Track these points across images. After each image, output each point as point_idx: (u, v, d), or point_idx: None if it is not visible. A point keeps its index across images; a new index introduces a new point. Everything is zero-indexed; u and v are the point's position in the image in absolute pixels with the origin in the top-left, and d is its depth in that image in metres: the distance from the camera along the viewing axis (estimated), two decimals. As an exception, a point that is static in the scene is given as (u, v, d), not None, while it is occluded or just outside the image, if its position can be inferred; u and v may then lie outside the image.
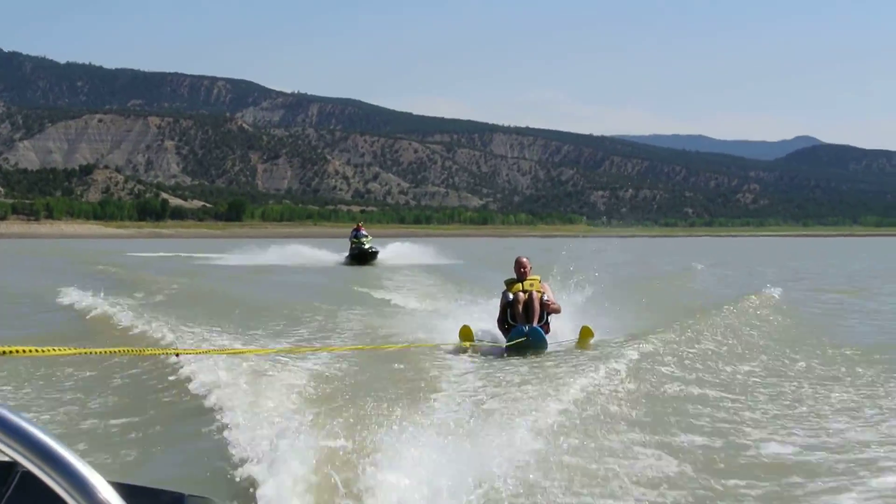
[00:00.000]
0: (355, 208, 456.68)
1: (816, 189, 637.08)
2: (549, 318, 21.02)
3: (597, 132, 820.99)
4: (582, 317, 22.42)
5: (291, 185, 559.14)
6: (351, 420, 9.79)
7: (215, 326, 23.25)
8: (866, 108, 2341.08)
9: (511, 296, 20.99)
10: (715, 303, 30.30)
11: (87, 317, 26.01)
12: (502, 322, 20.99)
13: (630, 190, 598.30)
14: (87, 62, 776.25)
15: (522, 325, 20.31)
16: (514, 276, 21.51)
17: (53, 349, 5.90)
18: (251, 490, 8.53)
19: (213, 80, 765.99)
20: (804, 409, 13.83)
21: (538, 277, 21.58)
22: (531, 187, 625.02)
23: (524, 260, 21.57)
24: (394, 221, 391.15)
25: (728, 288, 41.94)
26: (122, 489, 1.85)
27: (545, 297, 20.99)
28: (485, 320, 22.46)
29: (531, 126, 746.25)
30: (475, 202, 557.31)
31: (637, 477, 9.71)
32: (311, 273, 54.63)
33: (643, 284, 40.22)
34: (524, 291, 21.00)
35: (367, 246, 65.39)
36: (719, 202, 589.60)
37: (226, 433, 11.20)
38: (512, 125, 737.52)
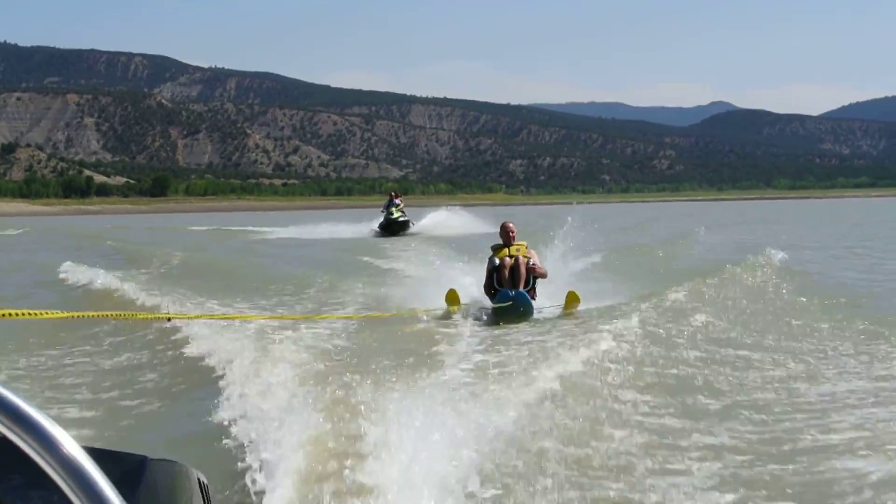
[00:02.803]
0: (277, 181, 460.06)
1: (731, 154, 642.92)
2: (536, 283, 21.24)
3: (514, 101, 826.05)
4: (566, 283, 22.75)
5: (212, 159, 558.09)
6: (338, 394, 9.87)
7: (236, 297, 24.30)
8: (781, 74, 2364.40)
9: (497, 261, 21.23)
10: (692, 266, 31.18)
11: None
12: (489, 287, 21.18)
13: (548, 158, 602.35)
14: (1, 40, 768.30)
15: (508, 290, 20.53)
16: (500, 241, 21.81)
17: (48, 312, 5.99)
18: (239, 465, 8.85)
19: (130, 55, 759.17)
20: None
21: (525, 243, 21.83)
22: (450, 157, 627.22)
23: (510, 225, 21.87)
24: (316, 194, 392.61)
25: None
26: (85, 452, 1.81)
27: (531, 262, 21.24)
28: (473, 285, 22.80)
29: (449, 97, 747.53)
30: (395, 173, 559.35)
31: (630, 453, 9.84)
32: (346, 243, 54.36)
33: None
34: (510, 256, 21.23)
35: (395, 216, 63.14)
36: (636, 168, 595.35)
37: (219, 404, 11.32)
38: (430, 96, 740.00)
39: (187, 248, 48.90)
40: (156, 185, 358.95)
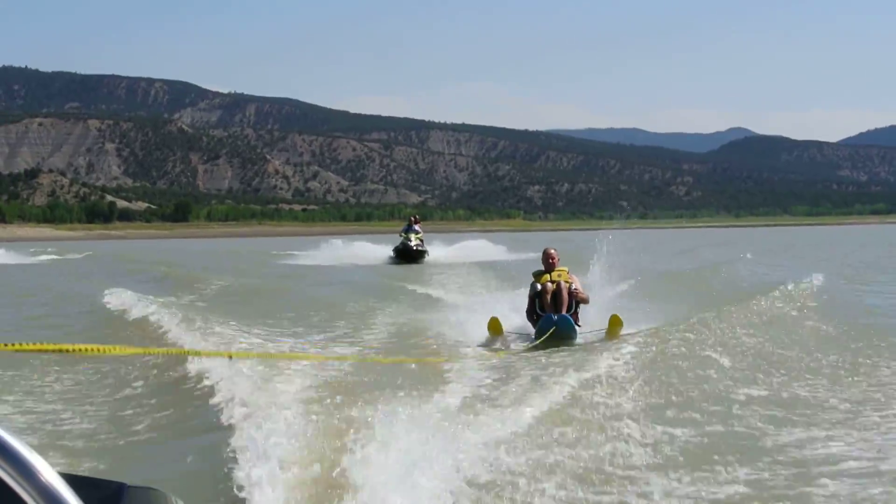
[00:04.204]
0: (297, 207, 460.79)
1: (748, 180, 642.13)
2: (579, 308, 21.31)
3: (532, 127, 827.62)
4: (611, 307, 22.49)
5: (232, 185, 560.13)
6: (334, 424, 9.96)
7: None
8: (800, 99, 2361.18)
9: (539, 286, 21.30)
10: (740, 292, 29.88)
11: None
12: (531, 313, 21.29)
13: (566, 184, 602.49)
14: (23, 66, 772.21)
15: (551, 314, 20.52)
16: (542, 267, 21.88)
17: (115, 348, 6.13)
18: (222, 492, 8.76)
19: (150, 81, 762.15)
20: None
21: (566, 268, 21.82)
22: (468, 183, 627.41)
23: (552, 251, 21.89)
24: (335, 219, 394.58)
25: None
26: (64, 479, 1.85)
27: (573, 287, 21.27)
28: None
29: (467, 122, 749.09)
30: (414, 199, 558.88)
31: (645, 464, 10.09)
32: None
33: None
34: (552, 282, 21.28)
35: (412, 243, 60.54)
36: (653, 195, 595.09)
37: (224, 431, 11.30)
38: (448, 122, 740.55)
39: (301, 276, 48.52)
40: (178, 210, 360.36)
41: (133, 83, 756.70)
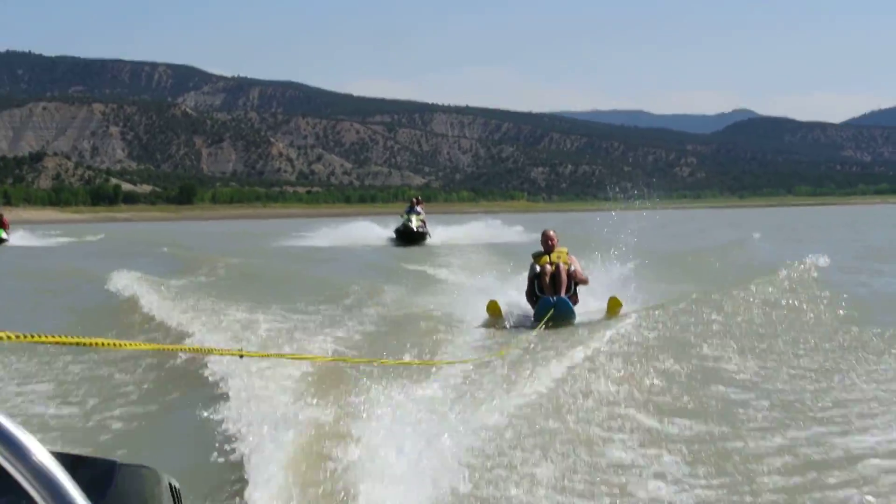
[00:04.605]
0: (301, 189, 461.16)
1: (752, 161, 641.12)
2: (577, 288, 21.37)
3: (536, 109, 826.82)
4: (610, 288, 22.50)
5: (236, 167, 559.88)
6: (330, 409, 9.84)
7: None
8: (804, 81, 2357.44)
9: (538, 268, 21.31)
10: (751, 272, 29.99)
11: None
12: (530, 294, 21.34)
13: (569, 166, 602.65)
14: (26, 50, 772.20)
15: (550, 297, 20.61)
16: (542, 248, 21.96)
17: (130, 343, 5.89)
18: (218, 472, 8.94)
19: (154, 65, 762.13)
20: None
21: (566, 249, 21.80)
22: (472, 165, 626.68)
23: (551, 233, 22.00)
24: (340, 201, 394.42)
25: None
26: (56, 458, 1.84)
27: (572, 269, 21.27)
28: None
29: (471, 105, 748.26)
30: (418, 181, 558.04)
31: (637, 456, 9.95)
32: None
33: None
34: (551, 263, 21.28)
35: (414, 225, 59.44)
36: (657, 176, 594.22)
37: (221, 416, 11.30)
38: (452, 104, 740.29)
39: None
40: (182, 192, 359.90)
41: (137, 67, 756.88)
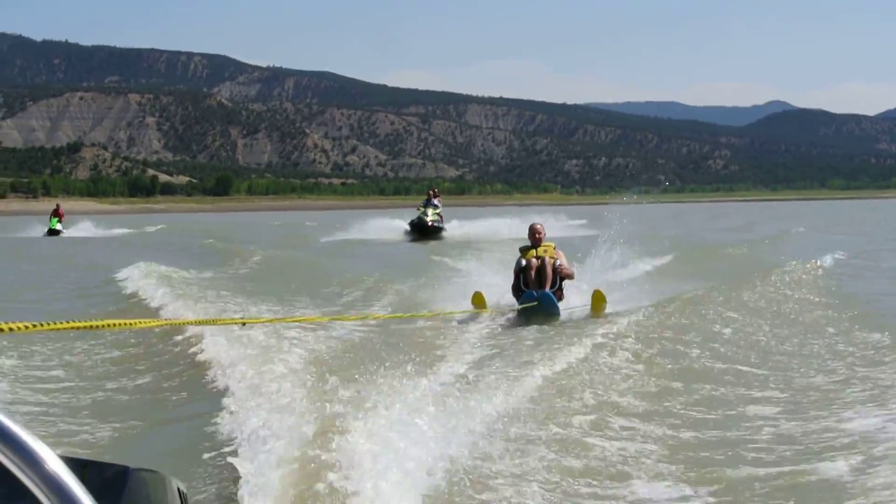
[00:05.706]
0: (336, 181, 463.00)
1: (786, 154, 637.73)
2: (564, 283, 21.00)
3: (570, 101, 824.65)
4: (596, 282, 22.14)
5: (272, 159, 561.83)
6: (333, 409, 9.49)
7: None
8: (839, 73, 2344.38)
9: (524, 262, 21.02)
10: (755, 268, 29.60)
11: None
12: (516, 289, 20.95)
13: (603, 158, 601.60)
14: (62, 39, 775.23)
15: (534, 290, 20.36)
16: (529, 242, 21.66)
17: (140, 322, 6.01)
18: (222, 474, 8.92)
19: (190, 55, 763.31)
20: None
21: (552, 244, 21.57)
22: (506, 157, 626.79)
23: (538, 226, 21.74)
24: (374, 193, 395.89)
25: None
26: (67, 463, 1.85)
27: (558, 263, 20.95)
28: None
29: (505, 96, 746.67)
30: (451, 173, 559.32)
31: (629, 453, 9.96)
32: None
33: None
34: (537, 258, 20.98)
35: (429, 218, 58.36)
36: (691, 168, 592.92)
37: (211, 413, 11.35)
38: (486, 95, 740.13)
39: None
40: (219, 184, 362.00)
41: (173, 57, 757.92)
